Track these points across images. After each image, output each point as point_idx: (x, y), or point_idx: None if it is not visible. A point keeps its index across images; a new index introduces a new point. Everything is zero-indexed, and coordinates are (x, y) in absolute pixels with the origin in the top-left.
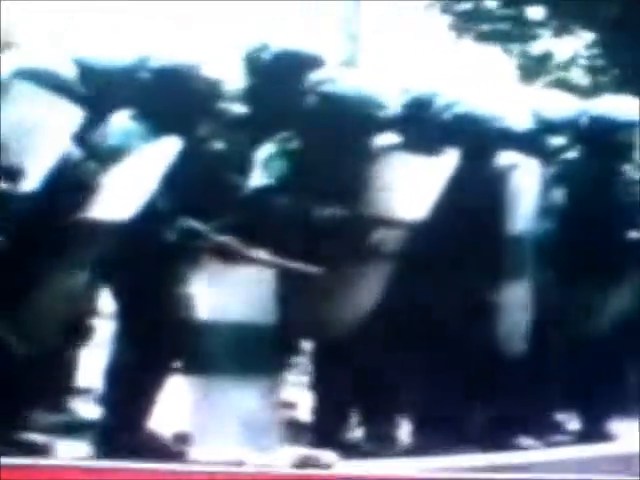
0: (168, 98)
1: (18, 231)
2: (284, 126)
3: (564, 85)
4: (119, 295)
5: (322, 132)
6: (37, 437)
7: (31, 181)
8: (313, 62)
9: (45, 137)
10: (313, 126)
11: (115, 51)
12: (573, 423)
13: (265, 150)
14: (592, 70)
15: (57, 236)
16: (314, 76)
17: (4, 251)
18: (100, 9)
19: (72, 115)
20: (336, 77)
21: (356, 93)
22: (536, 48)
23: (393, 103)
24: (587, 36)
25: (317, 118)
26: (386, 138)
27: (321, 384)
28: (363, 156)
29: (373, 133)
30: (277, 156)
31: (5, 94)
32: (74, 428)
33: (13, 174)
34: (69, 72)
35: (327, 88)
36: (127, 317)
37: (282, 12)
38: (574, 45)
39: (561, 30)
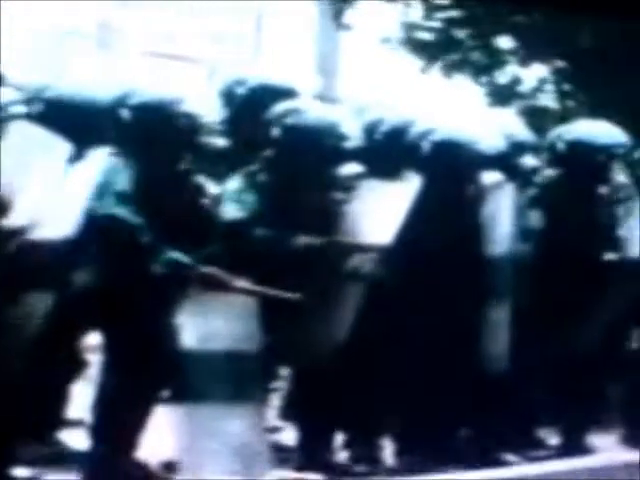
0: (148, 133)
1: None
2: (259, 158)
3: (534, 110)
4: (106, 327)
5: (288, 163)
6: (24, 471)
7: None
8: (287, 95)
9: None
10: (279, 158)
11: (96, 88)
12: (554, 438)
13: (233, 183)
14: (561, 95)
15: (49, 268)
16: (278, 108)
17: None
18: (81, 45)
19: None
20: (300, 109)
21: (318, 124)
22: (504, 76)
23: (355, 134)
24: (555, 62)
25: (282, 149)
26: (356, 167)
27: (305, 408)
28: (333, 185)
29: (336, 163)
30: (246, 189)
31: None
32: (63, 459)
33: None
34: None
35: (291, 120)
36: (115, 348)
37: (260, 47)
38: (542, 71)
39: (529, 58)
